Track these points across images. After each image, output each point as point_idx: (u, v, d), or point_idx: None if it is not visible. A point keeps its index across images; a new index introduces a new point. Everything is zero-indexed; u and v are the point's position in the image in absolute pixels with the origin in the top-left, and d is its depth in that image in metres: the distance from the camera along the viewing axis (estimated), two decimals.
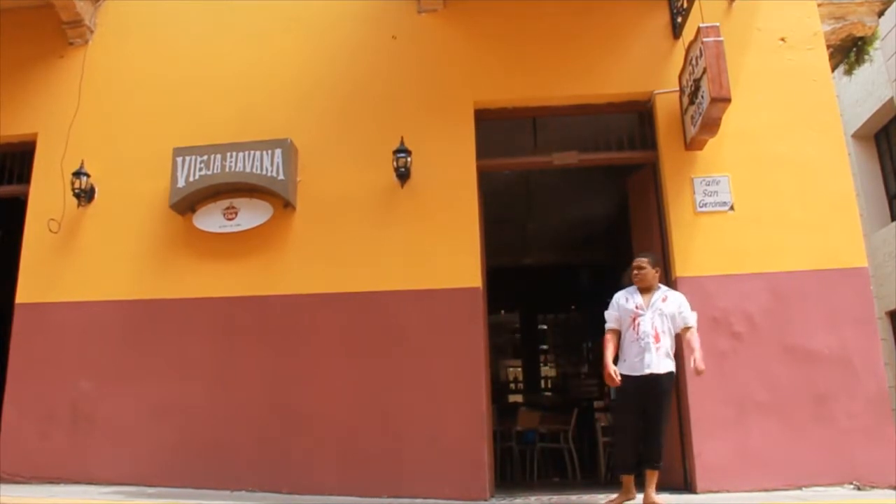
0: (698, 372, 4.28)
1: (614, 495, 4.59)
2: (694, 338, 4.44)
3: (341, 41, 6.03)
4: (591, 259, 11.43)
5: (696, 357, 4.30)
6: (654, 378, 4.36)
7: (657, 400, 4.36)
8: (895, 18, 9.38)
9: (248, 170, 5.56)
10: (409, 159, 5.50)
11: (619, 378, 4.39)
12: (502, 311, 11.98)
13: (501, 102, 5.86)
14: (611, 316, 4.63)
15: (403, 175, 5.52)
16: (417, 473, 5.05)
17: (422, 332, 5.32)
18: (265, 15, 6.16)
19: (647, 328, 4.46)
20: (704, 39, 4.86)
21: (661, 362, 4.39)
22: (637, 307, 4.54)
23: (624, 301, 4.62)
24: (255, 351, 5.42)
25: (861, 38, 6.23)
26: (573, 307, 12.40)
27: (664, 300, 4.55)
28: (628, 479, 4.50)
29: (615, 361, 4.52)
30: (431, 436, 5.12)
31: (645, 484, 4.38)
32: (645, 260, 4.65)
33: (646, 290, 4.62)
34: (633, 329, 4.49)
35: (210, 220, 5.68)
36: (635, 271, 4.64)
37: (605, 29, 5.84)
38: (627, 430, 4.50)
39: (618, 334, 4.59)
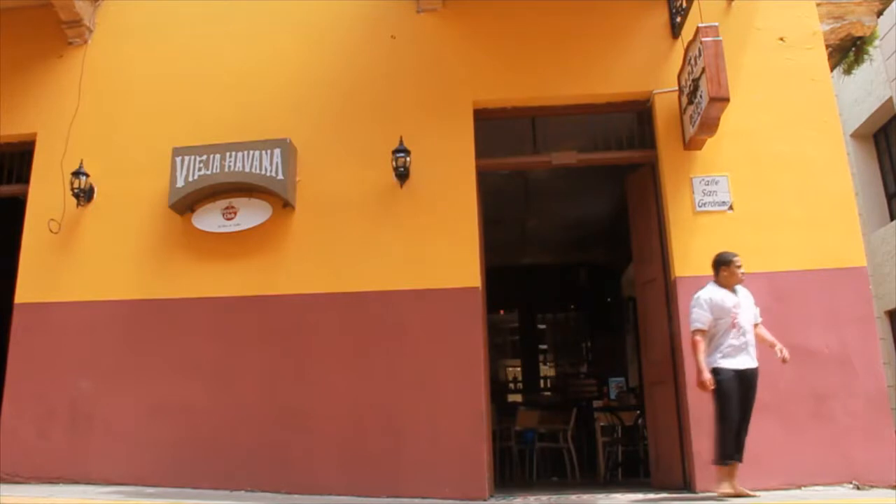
0: (786, 360, 4.63)
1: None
2: (766, 331, 4.77)
3: (340, 41, 6.03)
4: (590, 258, 11.45)
5: (782, 347, 4.66)
6: (754, 372, 4.57)
7: (754, 394, 4.55)
8: (894, 18, 9.39)
9: (247, 169, 5.56)
10: (408, 159, 5.50)
11: (725, 374, 4.50)
12: (501, 311, 11.98)
13: (500, 102, 5.86)
14: (704, 317, 4.62)
15: (402, 175, 5.52)
16: (417, 473, 5.05)
17: (421, 331, 5.32)
18: (264, 15, 6.15)
19: (747, 325, 4.64)
20: (703, 39, 4.86)
21: (754, 356, 4.61)
22: (734, 306, 4.64)
23: (720, 301, 4.64)
24: (254, 351, 5.42)
25: (860, 38, 6.23)
26: (572, 306, 12.40)
27: (746, 298, 4.72)
28: (733, 468, 4.53)
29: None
30: (431, 436, 5.12)
31: (733, 475, 4.50)
32: (740, 258, 4.75)
33: (729, 288, 4.71)
34: (735, 328, 4.59)
35: (209, 219, 5.67)
36: (741, 270, 4.71)
37: (604, 29, 5.84)
38: (735, 421, 4.51)
39: (706, 336, 4.63)
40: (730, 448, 4.49)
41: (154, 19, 6.30)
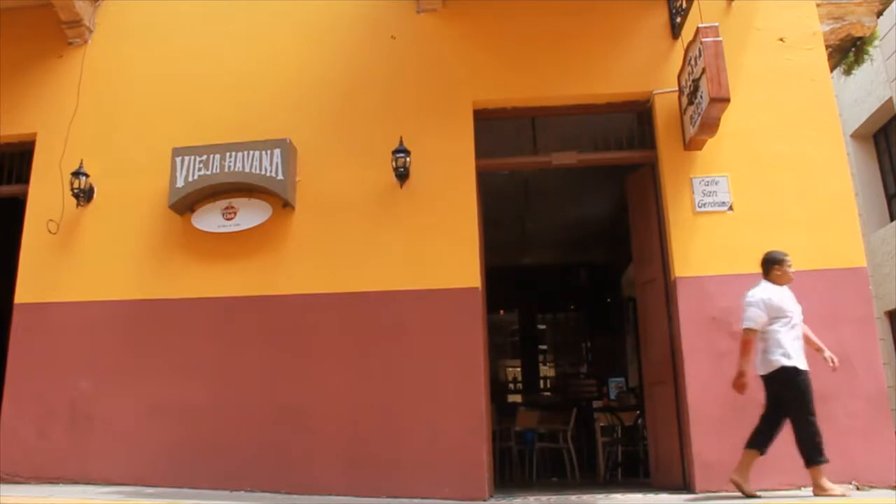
0: (836, 367, 4.62)
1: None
2: (810, 332, 4.73)
3: (340, 41, 6.03)
4: (590, 258, 11.45)
5: (831, 355, 4.65)
6: None
7: None
8: (894, 18, 9.40)
9: (247, 170, 5.56)
10: (408, 159, 5.50)
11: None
12: (501, 311, 11.99)
13: (500, 102, 5.86)
14: (760, 318, 4.55)
15: (402, 175, 5.52)
16: (417, 473, 5.05)
17: (421, 332, 5.32)
18: (264, 15, 6.16)
19: (800, 326, 4.60)
20: (703, 39, 4.86)
21: None
22: (790, 306, 4.60)
23: (778, 301, 4.58)
24: (254, 351, 5.42)
25: (860, 38, 6.23)
26: (572, 307, 12.41)
27: (793, 297, 4.69)
28: (754, 460, 4.52)
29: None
30: (431, 436, 5.12)
31: (752, 472, 4.52)
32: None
33: (780, 287, 4.69)
34: (792, 327, 4.55)
35: (209, 220, 5.67)
36: (792, 270, 4.69)
37: (604, 29, 5.84)
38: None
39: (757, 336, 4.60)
40: (821, 444, 4.41)
41: (154, 19, 6.30)
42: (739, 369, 4.52)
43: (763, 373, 4.55)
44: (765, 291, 4.63)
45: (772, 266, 4.72)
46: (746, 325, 4.56)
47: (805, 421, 4.39)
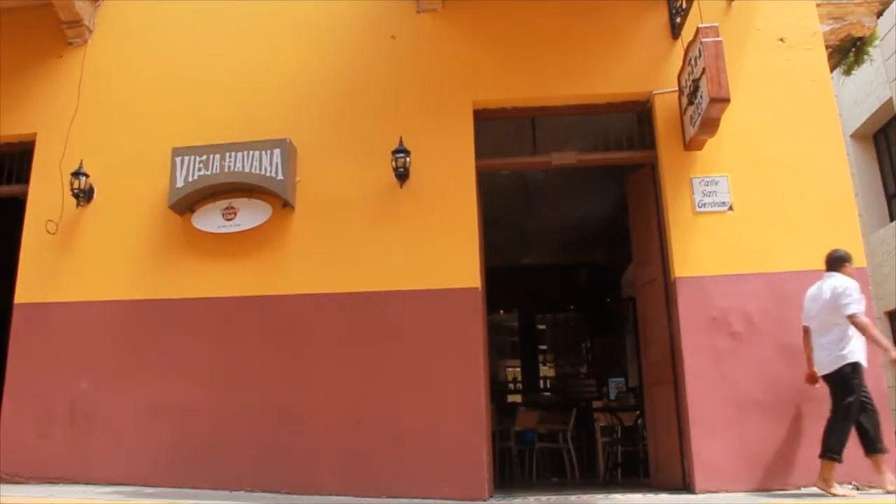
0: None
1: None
2: None
3: (340, 41, 6.03)
4: (590, 259, 11.45)
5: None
6: None
7: None
8: (894, 19, 9.40)
9: (246, 170, 5.56)
10: (407, 159, 5.50)
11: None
12: (501, 311, 11.99)
13: (500, 102, 5.86)
14: (861, 302, 4.62)
15: (402, 175, 5.52)
16: (416, 473, 5.05)
17: (421, 332, 5.32)
18: (264, 15, 6.16)
19: None
20: (703, 39, 4.87)
21: None
22: None
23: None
24: (254, 351, 5.42)
25: (860, 39, 6.24)
26: (572, 307, 12.41)
27: None
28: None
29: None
30: (431, 436, 5.12)
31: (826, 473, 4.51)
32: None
33: None
34: None
35: (209, 220, 5.67)
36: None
37: (604, 29, 5.84)
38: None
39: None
40: (844, 443, 4.46)
41: (154, 19, 6.30)
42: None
43: (830, 370, 4.58)
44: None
45: (843, 263, 4.80)
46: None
47: (848, 417, 4.47)
